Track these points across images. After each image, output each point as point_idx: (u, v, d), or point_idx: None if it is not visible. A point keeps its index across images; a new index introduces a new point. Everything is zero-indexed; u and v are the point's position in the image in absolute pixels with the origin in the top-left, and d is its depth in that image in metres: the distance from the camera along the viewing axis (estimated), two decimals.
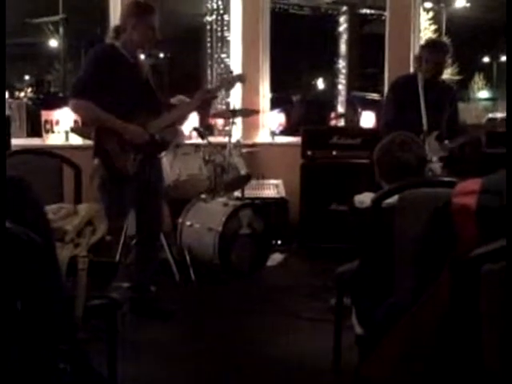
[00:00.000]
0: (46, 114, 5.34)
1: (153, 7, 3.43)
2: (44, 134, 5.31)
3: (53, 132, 5.30)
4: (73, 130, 4.97)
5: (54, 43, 11.13)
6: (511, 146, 1.42)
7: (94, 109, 3.30)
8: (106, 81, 3.31)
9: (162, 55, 11.72)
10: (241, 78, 3.93)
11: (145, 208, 3.56)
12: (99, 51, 3.47)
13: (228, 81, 3.83)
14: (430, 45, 4.31)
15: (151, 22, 3.40)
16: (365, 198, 2.38)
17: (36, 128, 5.63)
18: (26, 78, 11.67)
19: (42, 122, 5.32)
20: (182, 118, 3.75)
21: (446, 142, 4.27)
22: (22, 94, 10.01)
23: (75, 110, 3.47)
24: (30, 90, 11.11)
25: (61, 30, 10.84)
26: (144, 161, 3.44)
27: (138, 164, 3.40)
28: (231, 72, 4.10)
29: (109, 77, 3.32)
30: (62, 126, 5.24)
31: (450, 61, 7.24)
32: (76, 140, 5.10)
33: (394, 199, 2.11)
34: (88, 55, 3.49)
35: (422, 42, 5.23)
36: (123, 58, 3.41)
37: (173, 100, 4.19)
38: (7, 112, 5.21)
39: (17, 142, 4.78)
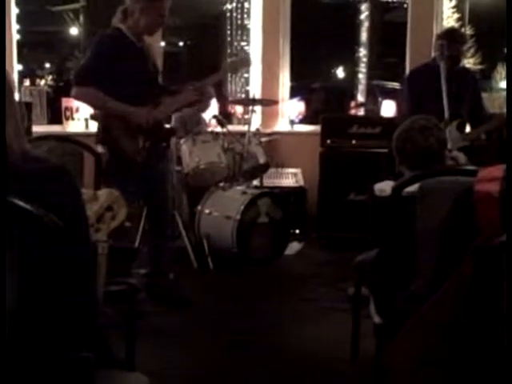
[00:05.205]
0: (66, 101, 5.38)
1: None
2: (64, 121, 5.35)
3: (73, 119, 5.34)
4: (93, 117, 5.00)
5: (74, 31, 11.17)
6: (511, 142, 1.39)
7: (97, 95, 3.21)
8: (111, 66, 3.19)
9: (181, 43, 11.70)
10: (245, 62, 3.84)
11: (152, 197, 3.53)
12: (105, 36, 3.32)
13: (233, 64, 3.77)
14: (448, 36, 4.23)
15: (161, 9, 3.27)
16: (385, 187, 2.35)
17: (56, 115, 5.66)
18: (47, 65, 11.73)
19: (63, 109, 5.36)
20: (187, 104, 3.64)
21: (469, 130, 4.21)
22: (43, 82, 10.06)
23: (78, 98, 3.40)
24: (50, 77, 11.16)
25: (81, 18, 10.87)
26: (151, 149, 3.37)
27: (146, 152, 3.34)
28: (236, 55, 4.03)
29: (114, 62, 3.20)
30: (82, 114, 5.28)
31: (472, 50, 7.12)
32: (96, 127, 5.12)
33: (414, 188, 2.08)
34: (93, 40, 3.35)
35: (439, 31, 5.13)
36: (129, 42, 3.30)
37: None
38: (28, 99, 5.25)
39: (37, 128, 4.83)
